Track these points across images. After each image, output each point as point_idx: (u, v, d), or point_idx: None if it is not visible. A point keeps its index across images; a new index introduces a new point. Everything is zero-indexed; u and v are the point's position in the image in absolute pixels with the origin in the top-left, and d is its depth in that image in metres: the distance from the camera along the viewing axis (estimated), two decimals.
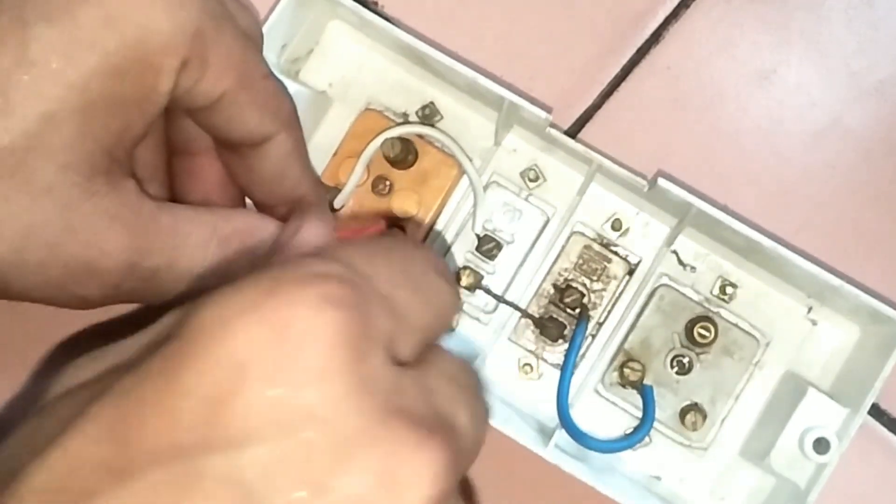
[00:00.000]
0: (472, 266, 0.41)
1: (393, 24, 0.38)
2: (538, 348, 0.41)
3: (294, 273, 0.23)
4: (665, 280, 0.40)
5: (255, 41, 0.31)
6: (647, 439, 0.40)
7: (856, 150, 0.42)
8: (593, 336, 0.40)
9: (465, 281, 0.40)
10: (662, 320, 0.40)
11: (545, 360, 0.41)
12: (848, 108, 0.42)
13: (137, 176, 0.31)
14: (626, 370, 0.39)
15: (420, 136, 0.40)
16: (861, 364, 0.38)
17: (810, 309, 0.40)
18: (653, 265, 0.40)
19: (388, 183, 0.40)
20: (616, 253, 0.41)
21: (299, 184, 0.33)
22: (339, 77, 0.42)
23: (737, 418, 0.40)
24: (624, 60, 0.43)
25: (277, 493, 0.21)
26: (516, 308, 0.40)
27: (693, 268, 0.41)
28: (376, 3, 0.43)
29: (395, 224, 0.40)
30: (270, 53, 0.39)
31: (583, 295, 0.40)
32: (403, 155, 0.39)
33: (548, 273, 0.41)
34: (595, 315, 0.40)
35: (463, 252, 0.41)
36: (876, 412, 0.40)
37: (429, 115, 0.41)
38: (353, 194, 0.40)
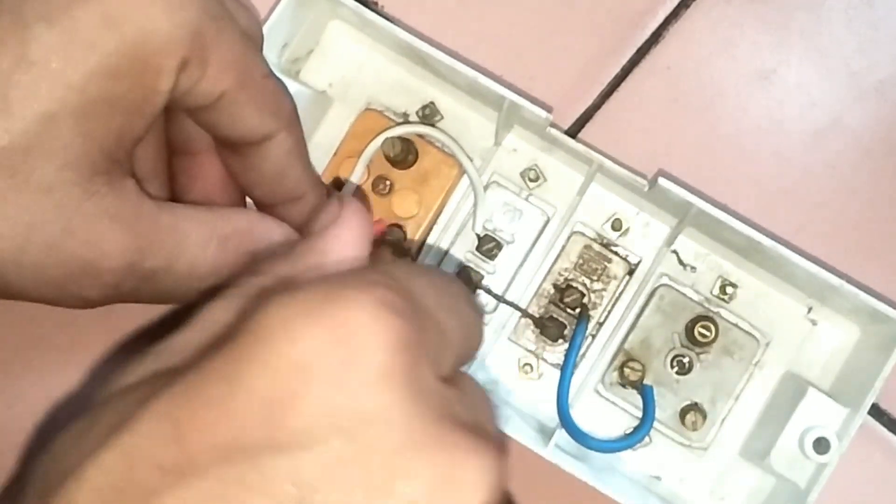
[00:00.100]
0: (472, 266, 0.41)
1: (393, 23, 0.38)
2: (538, 348, 0.41)
3: (353, 279, 0.24)
4: (665, 280, 0.40)
5: (255, 41, 0.31)
6: (647, 439, 0.40)
7: (856, 150, 0.42)
8: (593, 336, 0.40)
9: (464, 280, 0.40)
10: (662, 320, 0.40)
11: (545, 360, 0.41)
12: (848, 108, 0.42)
13: (138, 175, 0.31)
14: (627, 370, 0.39)
15: (420, 136, 0.40)
16: (861, 364, 0.38)
17: (810, 309, 0.40)
18: (653, 265, 0.40)
19: (388, 183, 0.40)
20: (616, 253, 0.41)
21: (300, 183, 0.33)
22: (340, 77, 0.42)
23: (737, 418, 0.40)
24: (624, 60, 0.43)
25: (338, 494, 0.21)
26: (516, 308, 0.40)
27: (693, 268, 0.41)
28: (376, 3, 0.43)
29: (395, 224, 0.40)
30: (271, 53, 0.39)
31: (583, 295, 0.40)
32: (404, 155, 0.39)
33: (548, 273, 0.41)
34: (595, 315, 0.40)
35: (463, 252, 0.41)
36: (876, 412, 0.40)
37: (429, 115, 0.41)
38: (353, 194, 0.40)
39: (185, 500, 0.21)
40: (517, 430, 0.36)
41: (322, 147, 0.41)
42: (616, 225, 0.41)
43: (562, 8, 0.43)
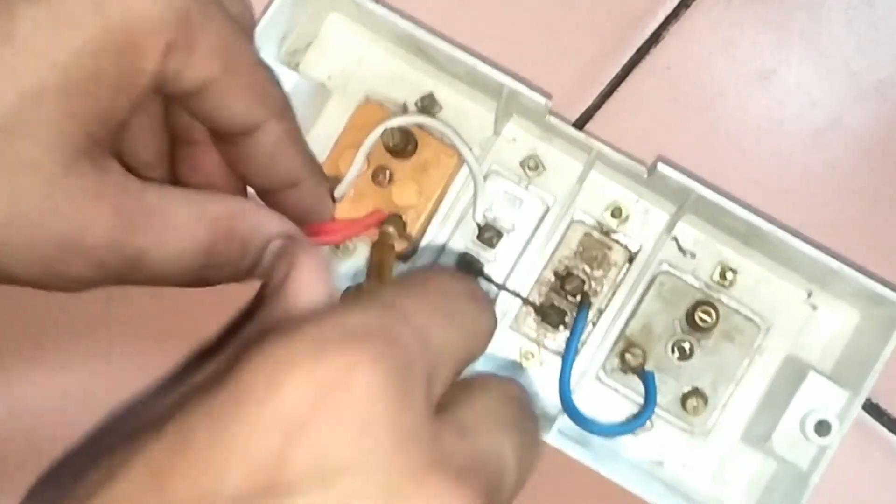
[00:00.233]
0: (472, 254, 0.41)
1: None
2: (539, 336, 0.41)
3: (336, 329, 0.24)
4: (665, 267, 0.41)
5: (245, 28, 0.31)
6: (648, 424, 0.40)
7: (856, 149, 0.42)
8: (594, 323, 0.41)
9: (465, 268, 0.40)
10: (663, 306, 0.40)
11: (546, 348, 0.41)
12: (848, 108, 0.42)
13: (140, 164, 0.31)
14: (628, 355, 0.39)
15: (420, 127, 0.40)
16: (861, 347, 0.39)
17: (810, 294, 0.40)
18: (653, 252, 0.40)
19: (388, 173, 0.40)
20: (616, 240, 0.41)
21: (295, 170, 0.33)
22: (339, 69, 0.42)
23: (738, 403, 0.40)
24: (624, 60, 0.43)
25: None
26: (517, 296, 0.40)
27: (693, 254, 0.41)
28: None
29: (395, 214, 0.40)
30: (270, 45, 0.39)
31: (583, 282, 0.40)
32: (403, 145, 0.39)
33: (548, 261, 0.41)
34: (596, 302, 0.41)
35: (464, 241, 0.41)
36: (876, 412, 0.41)
37: (428, 106, 0.42)
38: (353, 184, 0.40)
39: None
40: None
41: (321, 138, 0.41)
42: (616, 212, 0.41)
43: (562, 8, 0.43)
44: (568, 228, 0.41)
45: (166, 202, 0.29)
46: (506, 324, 0.41)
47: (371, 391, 0.23)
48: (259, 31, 0.38)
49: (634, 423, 0.39)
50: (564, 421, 0.38)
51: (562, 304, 0.40)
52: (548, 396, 0.40)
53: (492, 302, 0.30)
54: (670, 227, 0.40)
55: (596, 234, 0.41)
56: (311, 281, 0.34)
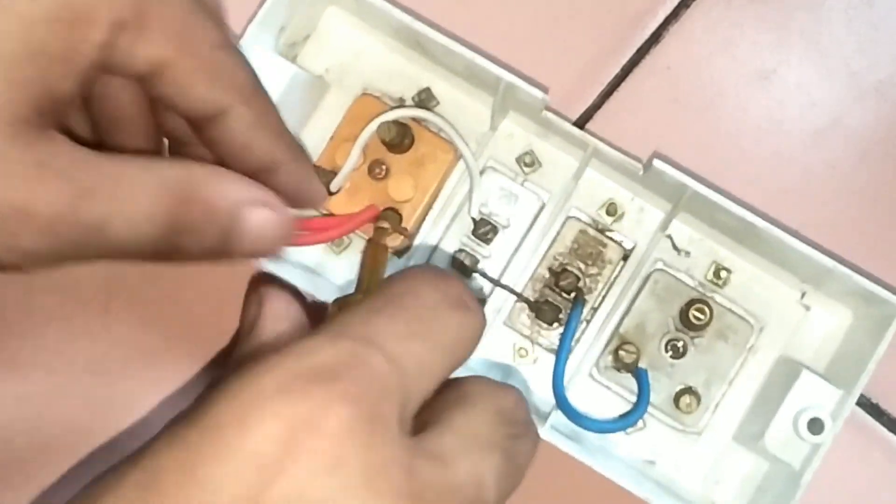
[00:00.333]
0: (467, 250, 0.41)
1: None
2: (533, 333, 0.41)
3: (306, 366, 0.25)
4: (660, 265, 0.41)
5: (208, 11, 0.30)
6: (640, 424, 0.40)
7: (856, 149, 0.42)
8: (587, 321, 0.40)
9: (460, 264, 0.40)
10: (657, 304, 0.40)
11: (540, 345, 0.41)
12: (848, 108, 0.42)
13: None
14: (622, 352, 0.39)
15: (416, 121, 0.40)
16: (854, 347, 0.39)
17: (804, 294, 0.40)
18: (647, 250, 0.40)
19: (384, 167, 0.40)
20: (611, 238, 0.41)
21: (272, 154, 0.32)
22: (336, 63, 0.42)
23: (731, 403, 0.40)
24: (624, 60, 0.43)
25: None
26: (512, 291, 0.40)
27: (687, 253, 0.41)
28: None
29: (391, 208, 0.40)
30: (268, 36, 0.39)
31: (578, 278, 0.40)
32: (400, 139, 0.39)
33: (543, 257, 0.41)
34: (590, 300, 0.41)
35: (459, 236, 0.41)
36: (876, 412, 0.41)
37: (425, 100, 0.42)
38: (349, 177, 0.40)
39: None
40: None
41: (318, 131, 0.41)
42: (611, 210, 0.41)
43: (562, 8, 0.43)
44: (563, 225, 0.41)
45: (122, 169, 0.28)
46: (500, 320, 0.41)
47: (341, 428, 0.23)
48: (257, 23, 0.38)
49: (628, 419, 0.39)
50: (557, 417, 0.38)
51: (556, 301, 0.40)
52: (541, 394, 0.40)
53: (477, 302, 0.30)
54: (665, 225, 0.40)
55: (591, 232, 0.41)
56: (280, 314, 0.34)
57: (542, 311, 0.40)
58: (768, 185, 0.42)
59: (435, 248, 0.41)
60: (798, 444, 0.36)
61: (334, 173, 0.40)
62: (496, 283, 0.40)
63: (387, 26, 0.41)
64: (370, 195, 0.40)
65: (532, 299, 0.40)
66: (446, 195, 0.41)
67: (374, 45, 0.42)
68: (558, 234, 0.41)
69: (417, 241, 0.41)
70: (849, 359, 0.38)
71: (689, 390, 0.40)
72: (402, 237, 0.40)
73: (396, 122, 0.39)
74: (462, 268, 0.40)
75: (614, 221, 0.41)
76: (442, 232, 0.41)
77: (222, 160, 0.32)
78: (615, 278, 0.41)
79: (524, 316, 0.41)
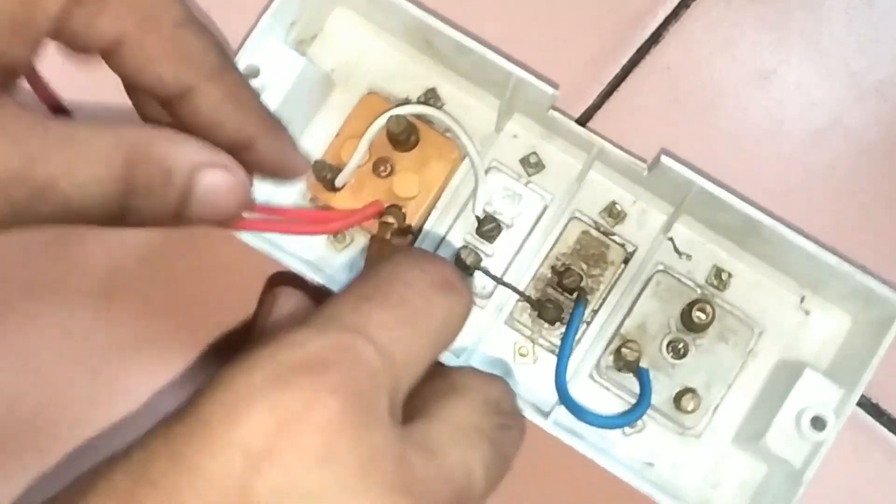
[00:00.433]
0: (471, 247, 0.41)
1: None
2: (534, 332, 0.41)
3: (295, 358, 0.25)
4: (661, 268, 0.41)
5: None
6: (640, 424, 0.40)
7: (856, 150, 0.42)
8: (588, 323, 0.41)
9: (464, 261, 0.40)
10: (659, 306, 0.40)
11: (541, 345, 0.41)
12: (848, 108, 0.43)
13: None
14: (624, 350, 0.39)
15: (423, 119, 0.41)
16: (854, 351, 0.39)
17: (803, 299, 0.41)
18: (649, 253, 0.41)
19: (389, 165, 0.40)
20: (613, 240, 0.41)
21: (245, 130, 0.31)
22: (343, 63, 0.43)
23: (730, 406, 0.40)
24: (624, 60, 0.44)
25: None
26: (514, 290, 0.40)
27: (689, 256, 0.41)
28: None
29: (395, 205, 0.40)
30: (280, 29, 0.39)
31: (581, 277, 0.40)
32: (407, 135, 0.40)
33: (546, 257, 0.41)
34: (591, 301, 0.41)
35: (462, 234, 0.41)
36: (876, 412, 0.41)
37: (430, 101, 0.42)
38: (354, 174, 0.40)
39: None
40: None
41: (323, 129, 0.42)
42: (613, 212, 0.41)
43: (561, 8, 0.44)
44: (566, 226, 0.41)
45: (73, 132, 0.27)
46: (501, 319, 0.41)
47: (331, 419, 0.24)
48: (270, 14, 0.39)
49: (631, 415, 0.39)
50: (559, 414, 0.38)
51: (558, 300, 0.41)
52: (541, 393, 0.40)
53: (463, 281, 0.30)
54: (667, 227, 0.41)
55: (594, 233, 0.41)
56: (292, 313, 0.34)
57: (544, 309, 0.40)
58: (768, 186, 0.42)
59: (438, 246, 0.41)
60: (800, 443, 0.36)
61: (339, 169, 0.40)
62: (499, 280, 0.40)
63: (395, 26, 0.41)
64: (374, 192, 0.40)
65: (534, 298, 0.41)
66: (450, 194, 0.41)
67: (380, 46, 0.43)
68: (561, 234, 0.41)
69: (421, 238, 0.41)
70: (849, 360, 0.38)
71: (689, 391, 0.40)
72: (405, 235, 0.40)
73: (404, 119, 0.40)
74: (465, 267, 0.40)
75: (616, 224, 0.41)
76: (445, 230, 0.41)
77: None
78: (616, 280, 0.41)
79: (525, 316, 0.41)
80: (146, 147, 0.28)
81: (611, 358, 0.40)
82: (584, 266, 0.41)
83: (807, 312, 0.41)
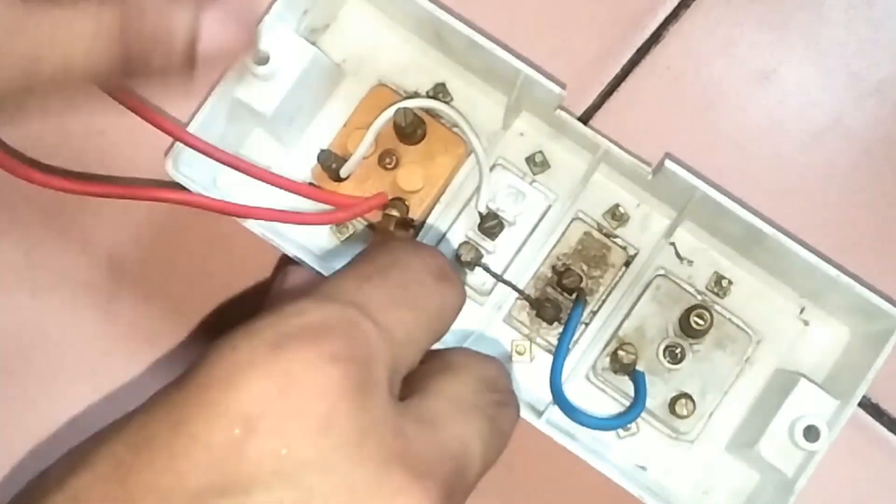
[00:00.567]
0: (472, 243, 0.41)
1: None
2: (532, 331, 0.41)
3: (296, 325, 0.25)
4: (662, 272, 0.41)
5: None
6: (634, 427, 0.40)
7: (856, 149, 0.42)
8: (586, 324, 0.41)
9: (465, 257, 0.40)
10: (658, 310, 0.40)
11: (538, 344, 0.41)
12: (848, 108, 0.43)
13: None
14: (621, 352, 0.39)
15: (431, 113, 0.41)
16: (851, 363, 0.39)
17: (803, 309, 0.41)
18: (650, 257, 0.41)
19: (394, 157, 0.40)
20: (615, 242, 0.41)
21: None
22: (353, 55, 0.43)
23: (725, 413, 0.40)
24: (624, 60, 0.44)
25: None
26: (514, 288, 0.40)
27: (690, 261, 0.41)
28: None
29: (398, 198, 0.40)
30: (292, 17, 0.39)
31: (581, 278, 0.40)
32: (414, 128, 0.40)
33: (546, 257, 0.41)
34: (590, 302, 0.41)
35: (464, 230, 0.41)
36: (876, 412, 0.41)
37: (439, 95, 0.42)
38: (359, 165, 0.40)
39: None
40: None
41: (331, 119, 0.42)
42: (616, 215, 0.41)
43: (561, 8, 0.44)
44: (569, 226, 0.41)
45: (51, 8, 0.25)
46: (499, 317, 0.41)
47: (332, 387, 0.24)
48: (279, 5, 0.38)
49: (625, 418, 0.39)
50: (552, 414, 0.38)
51: (557, 300, 0.41)
52: (536, 392, 0.40)
53: (457, 274, 0.30)
54: (670, 231, 0.41)
55: (596, 234, 0.41)
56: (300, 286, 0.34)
57: (543, 308, 0.40)
58: (768, 186, 0.42)
59: (440, 240, 0.41)
60: (792, 452, 0.36)
61: (345, 159, 0.40)
62: (499, 278, 0.40)
63: (407, 19, 0.41)
64: (379, 184, 0.40)
65: (533, 297, 0.41)
66: (454, 190, 0.41)
67: (391, 39, 0.43)
68: (563, 234, 0.41)
69: (423, 232, 0.41)
70: (846, 372, 0.38)
71: (684, 396, 0.40)
72: (408, 228, 0.40)
73: (411, 112, 0.40)
74: (466, 263, 0.40)
75: (619, 226, 0.41)
76: (448, 225, 0.41)
77: None
78: (616, 282, 0.41)
79: (524, 314, 0.41)
80: (135, 16, 0.26)
81: (607, 360, 0.40)
82: (585, 267, 0.41)
83: (806, 323, 0.41)
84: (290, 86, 0.38)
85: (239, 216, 0.38)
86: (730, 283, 0.41)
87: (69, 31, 0.25)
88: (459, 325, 0.40)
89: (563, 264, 0.41)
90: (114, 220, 0.42)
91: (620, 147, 0.39)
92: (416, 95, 0.42)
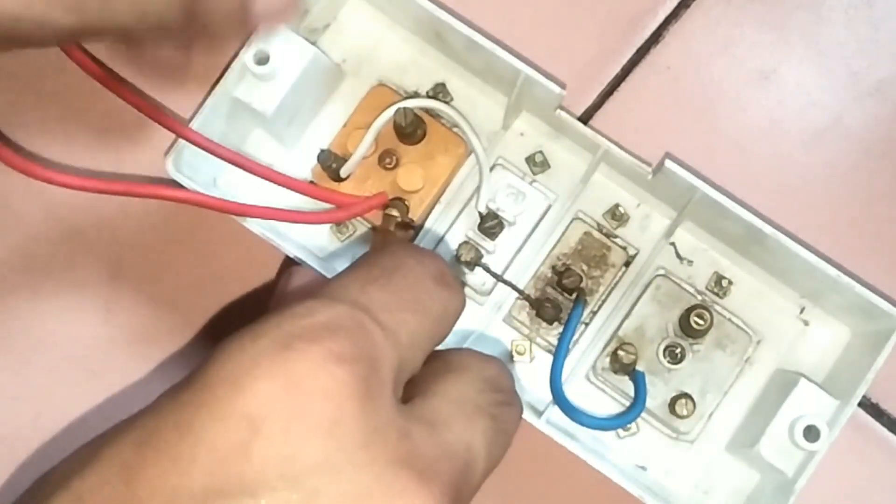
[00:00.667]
0: (472, 243, 0.41)
1: None
2: (532, 331, 0.41)
3: (303, 326, 0.25)
4: (662, 272, 0.41)
5: None
6: (634, 427, 0.40)
7: (856, 150, 0.42)
8: (586, 324, 0.41)
9: (464, 257, 0.40)
10: (658, 310, 0.40)
11: (538, 344, 0.41)
12: (848, 108, 0.43)
13: None
14: (621, 352, 0.39)
15: (431, 113, 0.41)
16: (851, 363, 0.39)
17: (803, 309, 0.41)
18: (650, 257, 0.41)
19: (394, 157, 0.40)
20: (615, 242, 0.41)
21: None
22: (354, 54, 0.43)
23: (725, 413, 0.40)
24: (624, 60, 0.44)
25: None
26: (514, 288, 0.40)
27: (690, 262, 0.41)
28: None
29: (398, 198, 0.40)
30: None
31: (581, 278, 0.40)
32: (413, 128, 0.40)
33: (547, 257, 0.41)
34: (590, 303, 0.41)
35: (464, 230, 0.41)
36: (876, 412, 0.41)
37: (439, 95, 0.42)
38: (359, 165, 0.40)
39: None
40: None
41: (331, 119, 0.42)
42: (616, 215, 0.41)
43: (561, 8, 0.44)
44: (569, 226, 0.41)
45: None
46: (499, 318, 0.41)
47: (338, 389, 0.24)
48: None
49: (625, 418, 0.39)
50: (553, 413, 0.38)
51: (557, 300, 0.41)
52: (536, 392, 0.40)
53: (459, 282, 0.30)
54: (670, 232, 0.41)
55: (596, 234, 0.41)
56: (298, 283, 0.34)
57: (543, 308, 0.40)
58: (768, 186, 0.42)
59: (440, 240, 0.41)
60: (792, 452, 0.36)
61: (345, 159, 0.40)
62: (499, 278, 0.40)
63: (407, 19, 0.41)
64: (379, 184, 0.40)
65: (533, 297, 0.41)
66: (454, 190, 0.41)
67: (391, 39, 0.43)
68: (563, 234, 0.41)
69: (423, 232, 0.41)
70: (846, 372, 0.38)
71: (684, 396, 0.40)
72: (407, 228, 0.40)
73: (411, 112, 0.40)
74: (466, 261, 0.40)
75: (619, 226, 0.41)
76: (448, 225, 0.41)
77: None
78: (617, 282, 0.41)
79: (524, 314, 0.41)
80: None
81: (607, 360, 0.40)
82: (585, 267, 0.41)
83: (806, 323, 0.41)
84: (290, 86, 0.38)
85: (239, 215, 0.38)
86: (730, 283, 0.41)
87: None
88: (460, 325, 0.40)
89: (563, 264, 0.41)
90: (114, 219, 0.42)
91: (620, 147, 0.39)
92: (416, 95, 0.42)
